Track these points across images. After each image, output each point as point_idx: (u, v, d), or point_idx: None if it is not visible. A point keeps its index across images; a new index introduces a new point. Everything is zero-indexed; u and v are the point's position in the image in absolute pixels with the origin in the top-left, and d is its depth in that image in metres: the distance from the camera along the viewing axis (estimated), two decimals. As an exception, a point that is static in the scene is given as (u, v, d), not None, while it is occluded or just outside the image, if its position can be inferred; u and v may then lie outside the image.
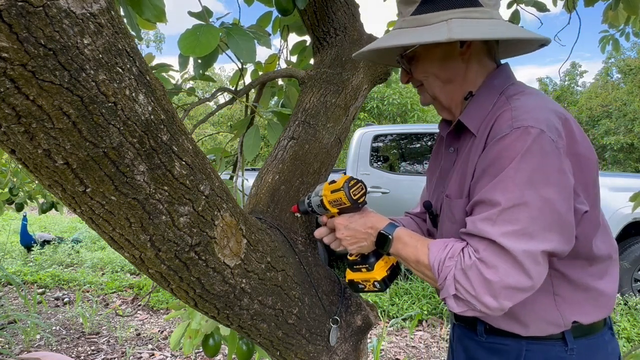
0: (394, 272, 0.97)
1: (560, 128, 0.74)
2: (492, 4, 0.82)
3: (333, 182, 0.94)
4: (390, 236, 0.87)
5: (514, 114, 0.75)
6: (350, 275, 0.99)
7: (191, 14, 1.15)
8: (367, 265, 0.95)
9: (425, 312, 3.68)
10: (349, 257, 0.99)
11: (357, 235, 0.91)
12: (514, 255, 0.70)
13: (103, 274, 5.11)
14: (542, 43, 0.85)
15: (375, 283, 0.95)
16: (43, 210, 3.58)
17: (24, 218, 6.00)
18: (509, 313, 0.82)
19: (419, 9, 0.84)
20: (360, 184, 0.93)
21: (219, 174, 0.93)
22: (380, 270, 0.95)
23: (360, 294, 1.06)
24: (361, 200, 0.92)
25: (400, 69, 0.95)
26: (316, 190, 0.99)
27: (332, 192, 0.93)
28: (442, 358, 3.00)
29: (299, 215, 1.06)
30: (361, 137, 4.71)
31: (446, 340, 3.23)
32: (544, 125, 0.72)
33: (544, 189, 0.70)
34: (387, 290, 1.02)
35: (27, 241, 5.99)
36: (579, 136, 0.78)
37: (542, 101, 0.78)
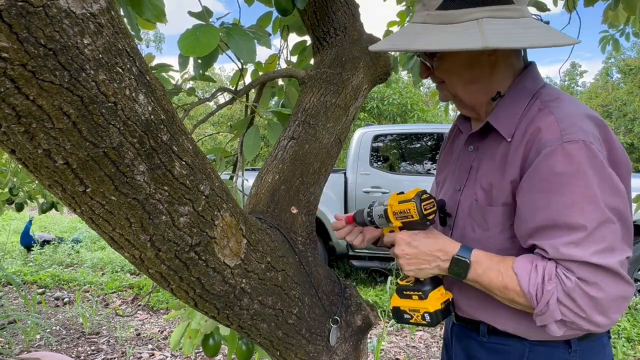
0: (448, 308, 0.87)
1: (599, 136, 0.73)
2: (522, 0, 0.77)
3: (401, 193, 0.86)
4: (468, 261, 0.79)
5: (562, 126, 0.72)
6: (397, 301, 0.90)
7: (191, 14, 1.15)
8: (420, 293, 0.85)
9: (425, 312, 3.68)
10: (399, 281, 0.91)
11: (420, 256, 0.82)
12: (611, 269, 0.69)
13: (103, 274, 5.11)
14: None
15: (426, 315, 0.85)
16: (43, 210, 3.58)
17: (29, 222, 6.00)
18: (519, 319, 0.82)
19: (445, 4, 0.76)
20: (432, 199, 0.84)
21: (219, 174, 0.93)
22: (434, 301, 0.85)
23: (361, 294, 1.04)
24: (431, 217, 0.83)
25: (419, 63, 0.89)
26: (380, 200, 0.91)
27: (400, 202, 0.84)
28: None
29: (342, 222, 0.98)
30: (361, 137, 4.71)
31: (446, 340, 3.23)
32: (591, 137, 0.71)
33: (613, 200, 0.70)
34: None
35: (27, 242, 5.99)
36: (616, 142, 0.77)
37: (580, 108, 0.76)
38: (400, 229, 0.86)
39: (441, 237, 0.84)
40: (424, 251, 0.82)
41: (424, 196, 0.82)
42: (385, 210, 0.87)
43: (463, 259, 0.79)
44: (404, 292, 0.89)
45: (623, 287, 0.71)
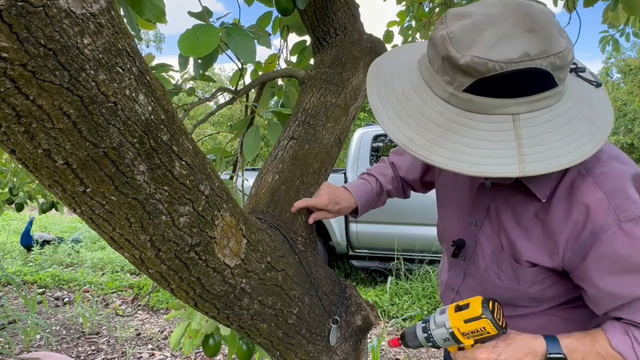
0: None
1: (638, 194, 0.71)
2: (564, 77, 0.65)
3: (459, 308, 0.77)
4: (563, 356, 0.73)
5: (615, 204, 0.67)
6: None
7: (191, 14, 1.15)
8: None
9: (425, 312, 3.68)
10: None
11: None
12: None
13: (103, 274, 5.11)
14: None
15: None
16: (43, 210, 3.58)
17: (30, 222, 5.99)
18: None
19: (477, 87, 0.62)
20: (497, 302, 0.77)
21: (219, 174, 0.93)
22: None
23: (361, 294, 1.03)
24: (505, 324, 0.76)
25: None
26: (436, 321, 0.81)
27: (468, 321, 0.76)
28: (442, 358, 3.00)
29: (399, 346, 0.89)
30: (361, 137, 4.71)
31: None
32: None
33: None
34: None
35: (27, 242, 5.99)
36: None
37: (622, 168, 0.71)
38: (473, 344, 0.79)
39: (521, 338, 0.76)
40: None
41: (491, 305, 0.75)
42: (452, 334, 0.78)
43: (558, 356, 0.73)
44: None
45: None
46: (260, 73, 1.71)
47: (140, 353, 3.09)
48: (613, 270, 0.70)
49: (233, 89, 1.44)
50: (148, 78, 0.61)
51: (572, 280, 0.77)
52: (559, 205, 0.73)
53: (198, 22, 1.06)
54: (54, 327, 3.50)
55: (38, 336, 3.32)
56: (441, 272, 1.08)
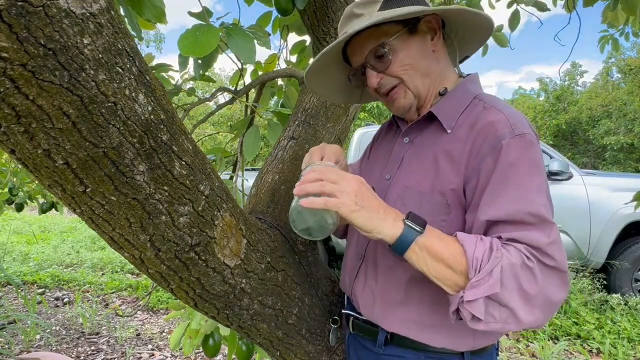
0: None
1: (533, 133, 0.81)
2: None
3: None
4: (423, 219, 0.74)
5: (512, 121, 0.77)
6: None
7: (191, 14, 1.15)
8: None
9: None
10: None
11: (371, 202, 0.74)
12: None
13: (103, 274, 5.11)
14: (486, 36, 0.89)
15: None
16: (43, 210, 3.58)
17: None
18: (422, 326, 0.83)
19: (384, 6, 0.84)
20: None
21: (219, 174, 0.93)
22: None
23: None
24: None
25: (368, 73, 0.87)
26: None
27: None
28: None
29: None
30: (361, 137, 4.71)
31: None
32: (532, 131, 0.79)
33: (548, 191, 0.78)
34: None
35: None
36: None
37: (518, 111, 0.84)
38: None
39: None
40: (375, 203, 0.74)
41: None
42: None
43: (415, 227, 0.73)
44: None
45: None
46: (260, 73, 1.71)
47: (140, 353, 3.09)
48: (499, 179, 0.75)
49: (233, 89, 1.44)
50: (148, 78, 0.61)
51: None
52: (464, 131, 0.82)
53: (198, 22, 1.06)
54: (53, 327, 3.50)
55: (38, 336, 3.32)
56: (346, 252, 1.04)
